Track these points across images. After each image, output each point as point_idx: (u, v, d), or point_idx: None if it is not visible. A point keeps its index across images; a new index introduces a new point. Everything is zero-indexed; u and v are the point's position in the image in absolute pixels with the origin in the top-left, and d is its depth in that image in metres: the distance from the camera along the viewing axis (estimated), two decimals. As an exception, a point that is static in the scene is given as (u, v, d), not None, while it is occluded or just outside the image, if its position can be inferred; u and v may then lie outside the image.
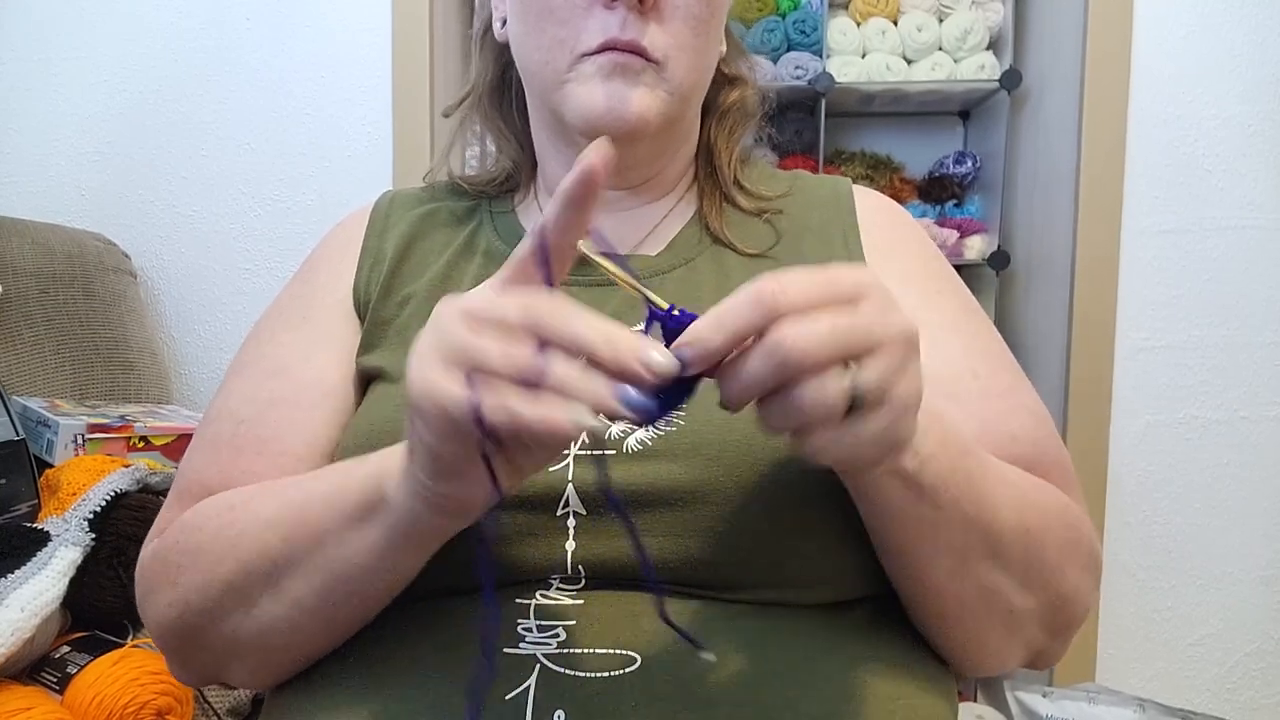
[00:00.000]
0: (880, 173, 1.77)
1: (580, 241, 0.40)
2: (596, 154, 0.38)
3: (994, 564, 0.50)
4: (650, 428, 0.53)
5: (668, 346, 0.37)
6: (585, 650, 0.48)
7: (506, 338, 0.36)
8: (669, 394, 0.37)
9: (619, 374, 0.35)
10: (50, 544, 0.87)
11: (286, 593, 0.50)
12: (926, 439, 0.44)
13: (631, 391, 0.36)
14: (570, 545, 0.51)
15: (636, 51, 0.59)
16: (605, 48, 0.59)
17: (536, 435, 0.35)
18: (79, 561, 0.86)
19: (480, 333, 0.36)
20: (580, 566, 0.51)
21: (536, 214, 0.71)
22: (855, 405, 0.37)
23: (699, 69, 0.64)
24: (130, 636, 0.91)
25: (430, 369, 0.37)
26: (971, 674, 0.58)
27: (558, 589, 0.51)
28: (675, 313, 0.38)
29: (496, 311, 0.37)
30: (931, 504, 0.46)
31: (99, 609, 0.91)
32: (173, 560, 0.55)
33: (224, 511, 0.54)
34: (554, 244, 0.39)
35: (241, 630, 0.52)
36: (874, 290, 0.38)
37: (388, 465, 0.45)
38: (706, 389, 0.38)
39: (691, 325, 0.37)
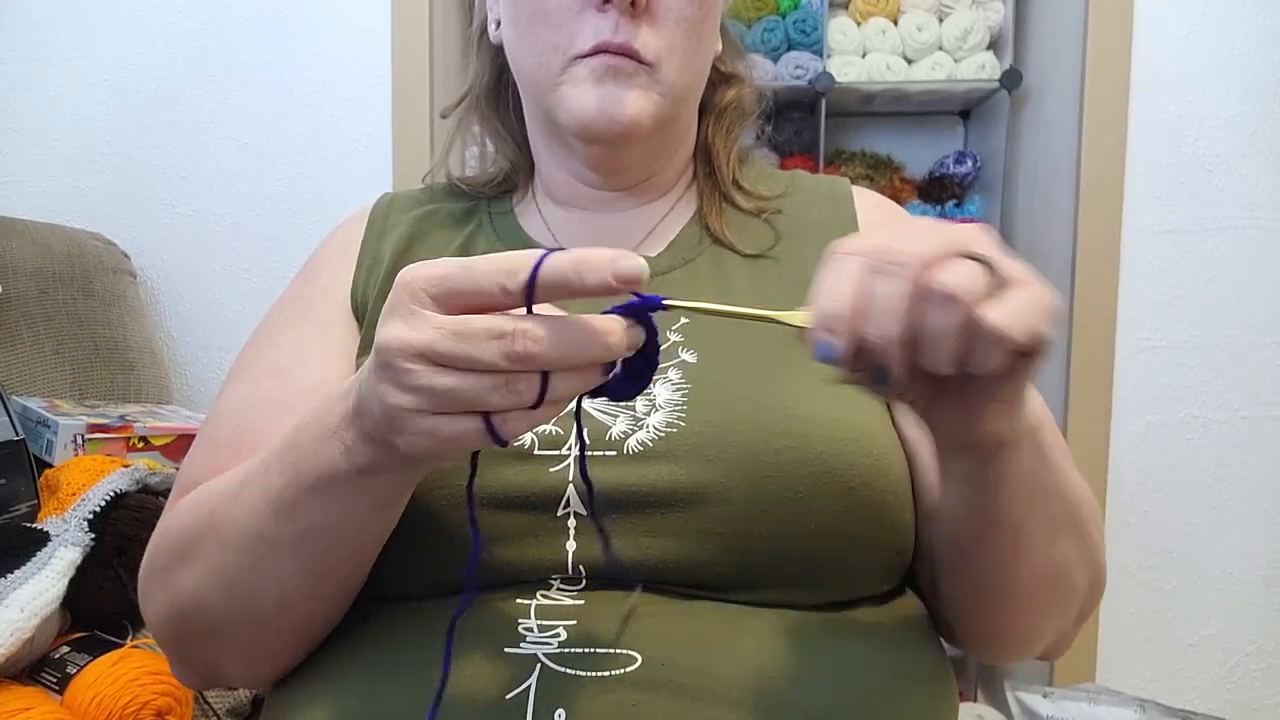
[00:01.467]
0: (880, 172, 1.77)
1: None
2: (634, 267, 0.36)
3: (1070, 536, 0.52)
4: (651, 428, 0.53)
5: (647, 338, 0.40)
6: (586, 650, 0.48)
7: (501, 379, 0.36)
8: (636, 365, 0.40)
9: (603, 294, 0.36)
10: (50, 544, 0.87)
11: (266, 568, 0.49)
12: (1034, 405, 0.46)
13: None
14: (571, 545, 0.51)
15: (629, 54, 0.60)
16: (597, 50, 0.59)
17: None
18: (78, 562, 0.86)
19: (462, 375, 0.36)
20: (581, 567, 0.51)
21: (535, 215, 0.71)
22: (993, 278, 0.36)
23: (692, 71, 0.64)
24: (130, 637, 0.91)
25: (427, 423, 0.37)
26: (1004, 658, 0.59)
27: (558, 589, 0.51)
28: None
29: (481, 355, 0.36)
30: (1046, 464, 0.48)
31: (98, 609, 0.91)
32: (161, 548, 0.55)
33: (200, 494, 0.55)
34: (548, 294, 0.37)
35: (226, 609, 0.52)
36: (927, 221, 0.40)
37: (346, 445, 0.44)
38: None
39: (813, 312, 0.37)
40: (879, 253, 0.36)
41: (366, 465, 0.43)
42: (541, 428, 0.54)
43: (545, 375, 0.36)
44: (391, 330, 0.37)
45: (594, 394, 0.40)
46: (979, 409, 0.41)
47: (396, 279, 0.38)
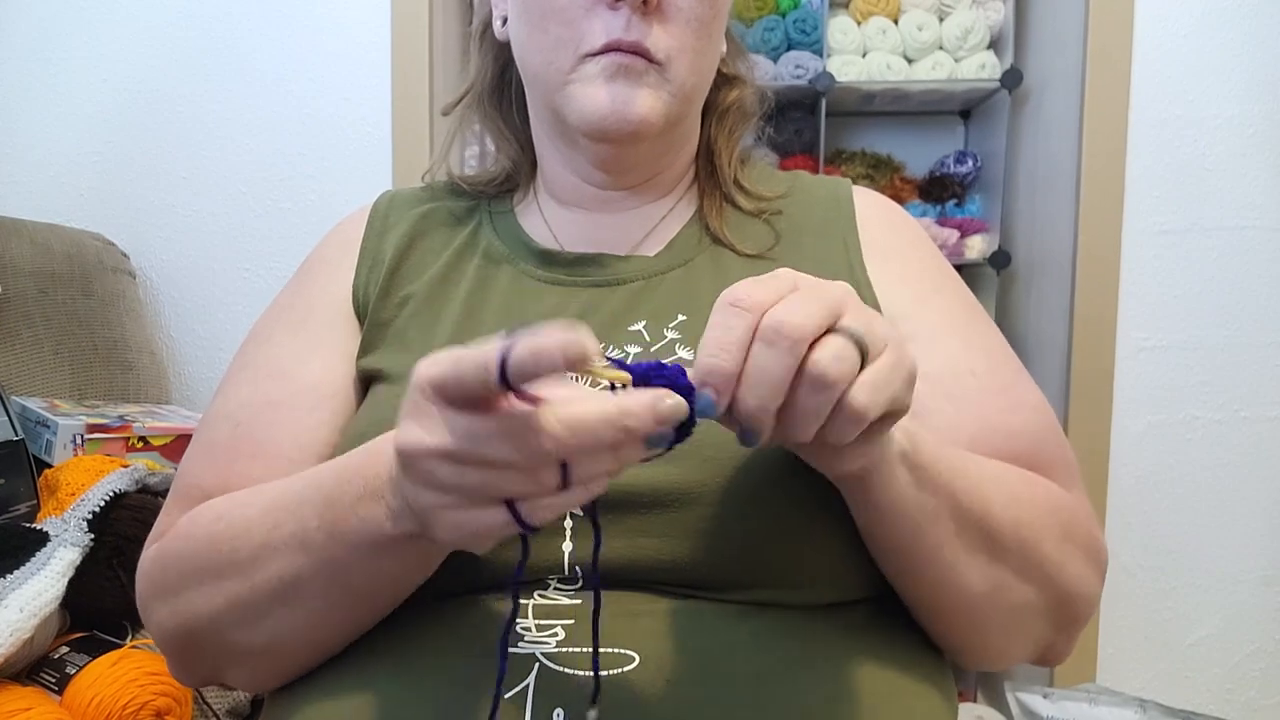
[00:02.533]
0: (881, 172, 1.77)
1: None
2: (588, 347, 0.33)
3: (991, 558, 0.50)
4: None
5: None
6: (584, 649, 0.48)
7: (522, 471, 0.36)
8: (677, 430, 0.38)
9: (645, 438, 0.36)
10: (49, 544, 0.87)
11: (301, 608, 0.50)
12: (907, 423, 0.45)
13: (653, 436, 0.37)
14: (567, 546, 0.51)
15: (640, 53, 0.59)
16: (609, 48, 0.59)
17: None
18: (78, 562, 0.86)
19: (487, 470, 0.36)
20: (578, 567, 0.51)
21: (535, 214, 0.70)
22: (862, 353, 0.38)
23: (701, 70, 0.64)
24: (129, 637, 0.91)
25: (457, 517, 0.38)
26: (977, 669, 0.58)
27: (555, 589, 0.51)
28: (642, 371, 0.38)
29: (496, 455, 0.35)
30: (931, 489, 0.47)
31: (98, 609, 0.91)
32: (172, 568, 0.55)
33: (217, 522, 0.53)
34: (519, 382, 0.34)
35: (250, 641, 0.52)
36: (798, 274, 0.40)
37: (391, 508, 0.43)
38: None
39: (697, 363, 0.38)
40: (767, 320, 0.37)
41: (413, 530, 0.42)
42: None
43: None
44: (408, 433, 0.37)
45: None
46: (836, 452, 0.42)
47: (412, 377, 0.37)
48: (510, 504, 0.37)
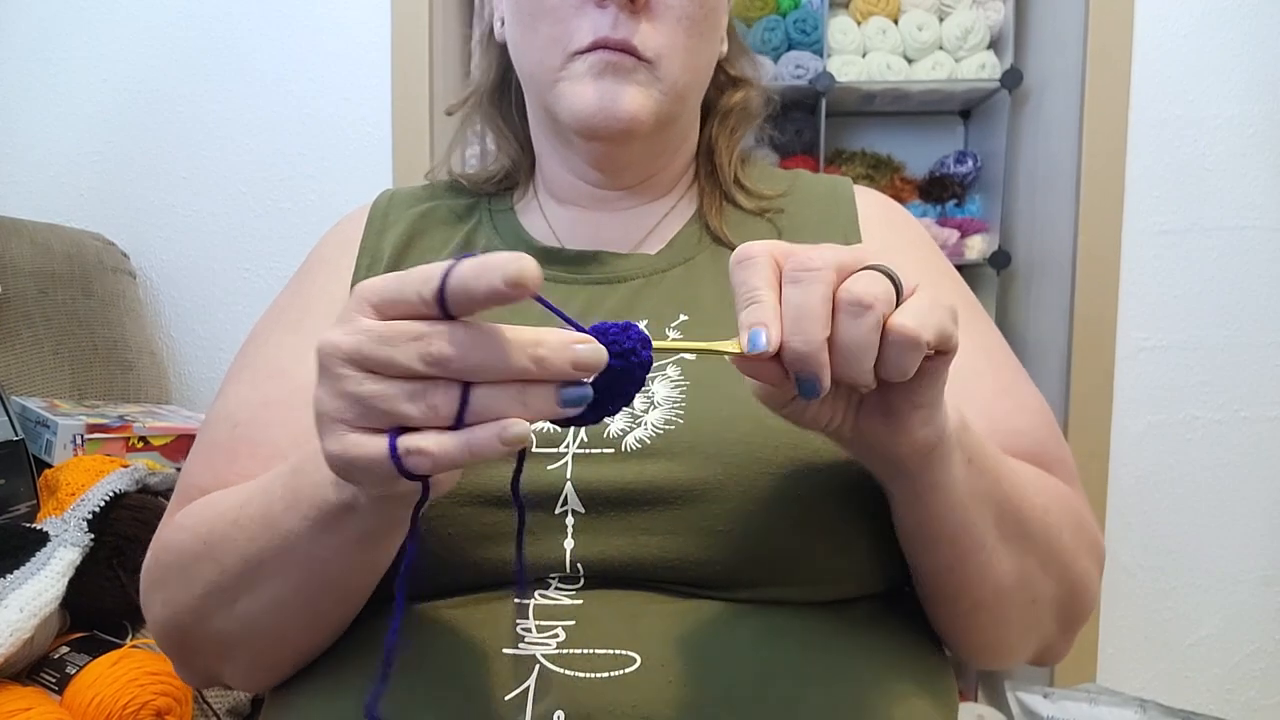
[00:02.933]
0: (881, 172, 1.77)
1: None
2: (526, 271, 0.34)
3: (1024, 545, 0.51)
4: (649, 425, 0.53)
5: (611, 357, 0.36)
6: (584, 650, 0.48)
7: (418, 386, 0.34)
8: (613, 386, 0.37)
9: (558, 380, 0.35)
10: (49, 544, 0.87)
11: (264, 592, 0.50)
12: (956, 412, 0.46)
13: (570, 391, 0.35)
14: (569, 544, 0.51)
15: (627, 50, 0.60)
16: (596, 46, 0.59)
17: (466, 462, 0.35)
18: (78, 562, 0.86)
19: (385, 382, 0.35)
20: (579, 565, 0.51)
21: (536, 212, 0.71)
22: (896, 289, 0.38)
23: (693, 69, 0.64)
24: (129, 637, 0.91)
25: (342, 440, 0.36)
26: (986, 666, 0.59)
27: (556, 588, 0.51)
28: (603, 326, 0.37)
29: (399, 357, 0.34)
30: (980, 470, 0.48)
31: (98, 609, 0.91)
32: (162, 562, 0.55)
33: (203, 510, 0.54)
34: (456, 302, 0.34)
35: (226, 629, 0.52)
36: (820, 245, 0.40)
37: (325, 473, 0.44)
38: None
39: (741, 315, 0.37)
40: (790, 262, 0.37)
41: (348, 498, 0.42)
42: (539, 425, 0.53)
43: (466, 392, 0.34)
44: (328, 335, 0.36)
45: (557, 422, 0.37)
46: (902, 419, 0.42)
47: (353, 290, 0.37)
48: (393, 441, 0.35)
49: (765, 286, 0.37)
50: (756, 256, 0.38)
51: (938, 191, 1.77)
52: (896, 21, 1.69)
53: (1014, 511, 0.50)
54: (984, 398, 0.59)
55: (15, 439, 1.04)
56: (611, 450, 0.52)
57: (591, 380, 0.36)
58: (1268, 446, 1.49)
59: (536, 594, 0.51)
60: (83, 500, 0.92)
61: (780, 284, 0.38)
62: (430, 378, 0.34)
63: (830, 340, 0.37)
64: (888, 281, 0.37)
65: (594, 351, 0.35)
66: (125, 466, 1.01)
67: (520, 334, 0.34)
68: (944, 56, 1.67)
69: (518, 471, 0.40)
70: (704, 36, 0.64)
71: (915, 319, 0.37)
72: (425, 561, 0.52)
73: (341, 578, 0.49)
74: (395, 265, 0.66)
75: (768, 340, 0.36)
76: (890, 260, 0.39)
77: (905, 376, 0.38)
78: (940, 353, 0.39)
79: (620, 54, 0.60)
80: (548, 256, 0.66)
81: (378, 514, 0.43)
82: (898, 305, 0.38)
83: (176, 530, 0.55)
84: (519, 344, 0.34)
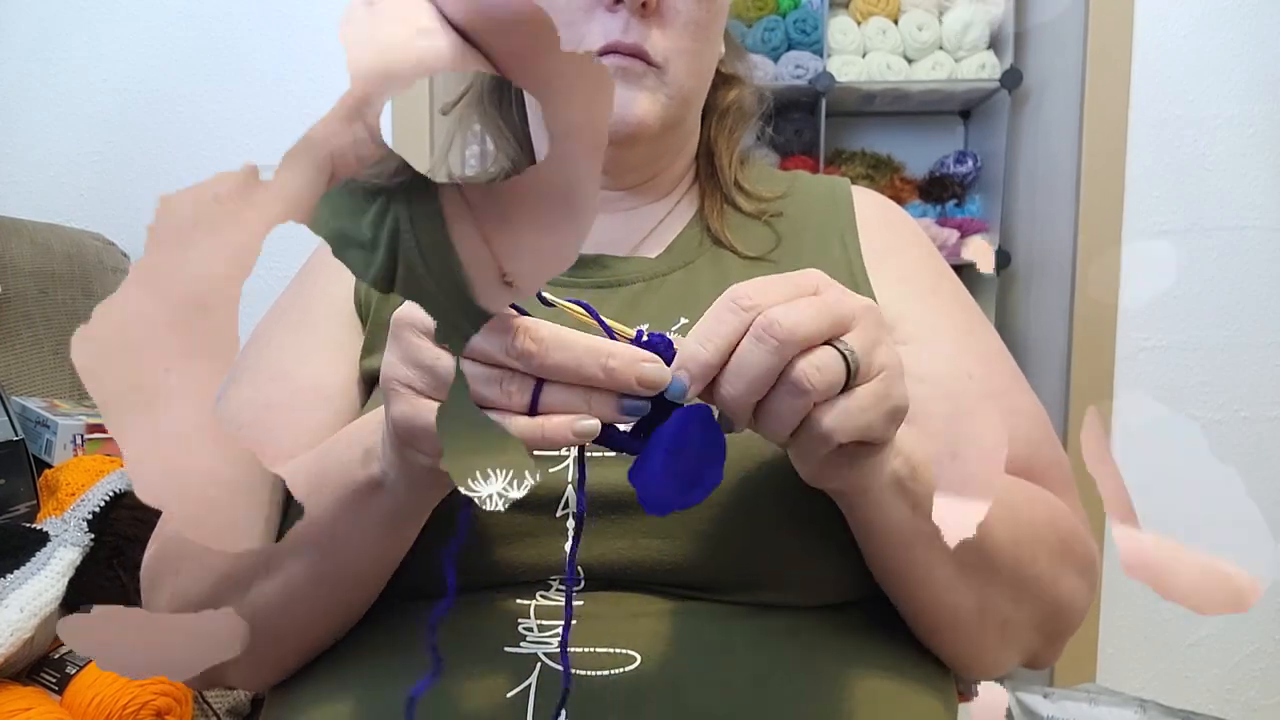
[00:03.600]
0: (881, 172, 1.77)
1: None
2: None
3: (986, 579, 0.50)
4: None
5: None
6: (585, 650, 0.48)
7: (496, 372, 0.36)
8: (651, 421, 0.38)
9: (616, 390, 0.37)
10: (49, 544, 0.87)
11: (278, 578, 0.50)
12: (916, 449, 0.45)
13: (631, 402, 0.37)
14: (569, 547, 0.51)
15: (639, 55, 0.59)
16: (608, 50, 0.59)
17: (537, 445, 0.36)
18: (78, 562, 0.86)
19: (466, 363, 0.37)
20: (579, 567, 0.51)
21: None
22: (850, 374, 0.38)
23: (699, 73, 0.64)
24: (129, 637, 0.91)
25: (414, 403, 0.38)
26: (961, 675, 0.58)
27: (557, 590, 0.51)
28: (645, 338, 0.39)
29: (486, 345, 0.36)
30: (926, 515, 0.46)
31: (98, 609, 0.91)
32: (171, 553, 0.55)
33: None
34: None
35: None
36: (828, 280, 0.40)
37: (366, 448, 0.46)
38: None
39: (680, 348, 0.38)
40: (762, 317, 0.37)
41: (377, 476, 0.44)
42: None
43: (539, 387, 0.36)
44: (408, 307, 0.39)
45: (597, 441, 0.39)
46: (810, 467, 0.42)
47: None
48: None
49: (721, 340, 0.37)
50: (740, 306, 0.38)
51: (938, 192, 1.77)
52: (896, 21, 1.69)
53: (975, 548, 0.47)
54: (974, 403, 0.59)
55: (15, 439, 1.04)
56: (612, 453, 0.52)
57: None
58: (1268, 446, 1.49)
59: (538, 595, 0.51)
60: (83, 500, 0.92)
61: (745, 330, 0.38)
62: (509, 368, 0.36)
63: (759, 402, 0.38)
64: (841, 370, 0.37)
65: (659, 371, 0.37)
66: (125, 466, 1.01)
67: (595, 343, 0.36)
68: (944, 56, 1.67)
69: (581, 473, 0.42)
70: (709, 40, 0.64)
71: (837, 419, 0.37)
72: (432, 561, 0.52)
73: (357, 564, 0.49)
74: (395, 265, 0.66)
75: (686, 391, 0.37)
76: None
77: (812, 460, 0.40)
78: (862, 445, 0.40)
79: (631, 59, 0.59)
80: (548, 257, 0.66)
81: (407, 492, 0.44)
82: (848, 386, 0.38)
83: None
84: (594, 351, 0.36)
